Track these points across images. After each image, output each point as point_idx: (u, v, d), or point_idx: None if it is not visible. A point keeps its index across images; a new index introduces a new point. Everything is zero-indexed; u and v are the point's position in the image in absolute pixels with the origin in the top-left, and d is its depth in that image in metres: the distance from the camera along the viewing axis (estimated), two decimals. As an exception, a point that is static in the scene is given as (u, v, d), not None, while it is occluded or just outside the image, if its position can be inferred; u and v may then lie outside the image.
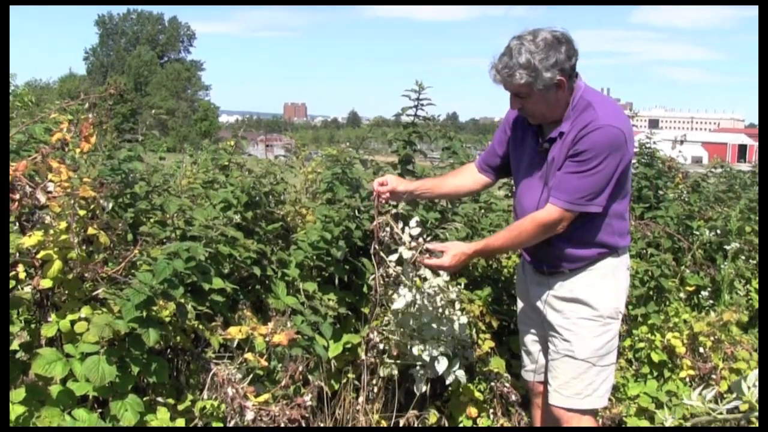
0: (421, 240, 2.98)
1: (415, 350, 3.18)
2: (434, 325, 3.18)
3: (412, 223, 3.04)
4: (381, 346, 3.41)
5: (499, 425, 3.71)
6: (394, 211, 3.13)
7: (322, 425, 3.46)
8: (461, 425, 3.65)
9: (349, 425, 3.50)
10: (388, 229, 3.04)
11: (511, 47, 2.72)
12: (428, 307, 3.12)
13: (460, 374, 3.26)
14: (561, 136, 2.79)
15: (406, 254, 2.96)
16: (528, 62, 2.67)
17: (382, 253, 3.09)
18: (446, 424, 3.68)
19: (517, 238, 2.90)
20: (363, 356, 3.46)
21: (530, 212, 2.90)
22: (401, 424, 3.54)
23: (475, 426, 3.65)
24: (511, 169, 3.09)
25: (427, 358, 3.19)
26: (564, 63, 2.70)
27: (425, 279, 3.07)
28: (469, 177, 3.24)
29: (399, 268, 3.06)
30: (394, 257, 3.02)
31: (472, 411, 3.64)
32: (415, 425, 3.56)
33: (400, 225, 3.04)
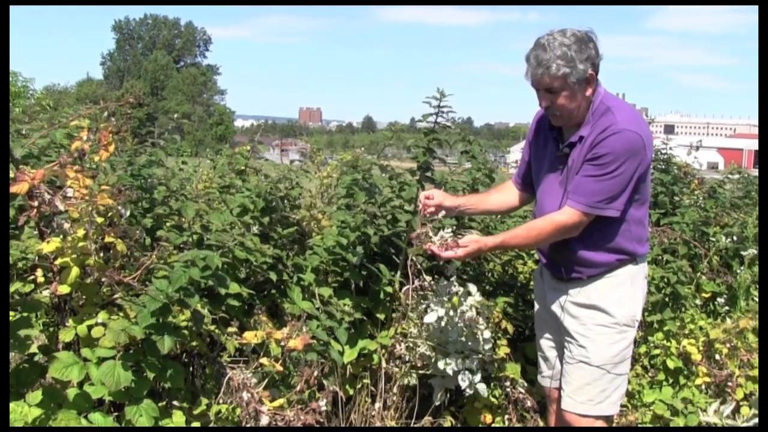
0: (443, 234, 2.99)
1: (441, 364, 3.19)
2: (462, 339, 3.18)
3: (447, 228, 3.06)
4: (406, 357, 3.42)
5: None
6: (434, 223, 3.12)
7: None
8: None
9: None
10: (434, 237, 3.03)
11: (542, 43, 2.74)
12: (459, 323, 3.13)
13: (481, 387, 3.27)
14: (581, 141, 2.80)
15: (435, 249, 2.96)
16: (564, 54, 2.69)
17: (419, 265, 3.09)
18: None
19: (534, 238, 2.92)
20: (383, 364, 3.47)
21: None
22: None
23: (482, 425, 3.64)
24: (532, 174, 3.10)
25: (451, 372, 3.19)
26: (594, 58, 2.76)
27: (460, 294, 3.07)
28: (511, 193, 3.28)
29: (433, 282, 3.06)
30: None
31: (487, 417, 3.63)
32: None
33: (439, 234, 3.05)
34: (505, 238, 2.97)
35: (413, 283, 3.13)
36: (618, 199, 2.78)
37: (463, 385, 3.21)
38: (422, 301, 3.26)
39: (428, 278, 3.11)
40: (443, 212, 3.10)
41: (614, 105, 2.81)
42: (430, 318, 3.09)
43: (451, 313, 3.10)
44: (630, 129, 2.73)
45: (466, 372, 3.23)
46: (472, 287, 3.19)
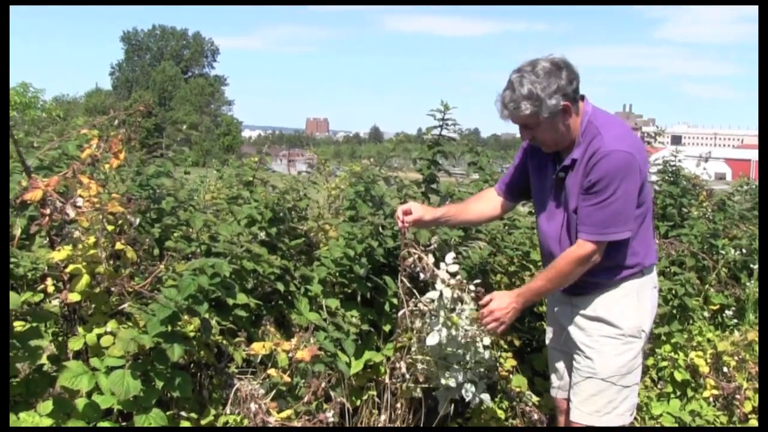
0: (459, 277, 2.95)
1: (442, 380, 3.17)
2: (460, 351, 3.16)
3: (449, 258, 3.01)
4: (407, 376, 3.40)
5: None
6: (430, 246, 3.09)
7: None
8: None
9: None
10: (421, 264, 2.99)
11: (512, 81, 2.74)
12: (458, 338, 3.10)
13: (486, 398, 3.26)
14: (574, 164, 2.81)
15: (447, 293, 2.93)
16: (531, 92, 2.69)
17: (410, 286, 3.05)
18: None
19: (556, 278, 2.90)
20: (387, 379, 3.46)
21: (552, 238, 2.95)
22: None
23: (484, 426, 3.64)
24: (532, 194, 3.10)
25: (454, 385, 3.18)
26: (566, 88, 2.73)
27: (461, 310, 3.04)
28: (490, 202, 3.25)
29: (433, 304, 3.00)
30: (433, 295, 2.97)
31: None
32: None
33: (431, 258, 3.01)
34: (529, 287, 2.98)
35: (407, 305, 3.08)
36: (626, 222, 2.78)
37: (467, 396, 3.20)
38: (421, 318, 3.19)
39: (424, 300, 3.04)
40: (433, 236, 3.08)
41: (602, 124, 2.80)
42: (432, 341, 3.04)
43: (453, 332, 3.06)
44: (619, 149, 2.72)
45: (469, 384, 3.21)
46: (466, 296, 3.14)
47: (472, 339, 3.08)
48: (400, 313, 3.16)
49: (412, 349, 3.32)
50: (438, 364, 3.19)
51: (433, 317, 3.03)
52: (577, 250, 2.82)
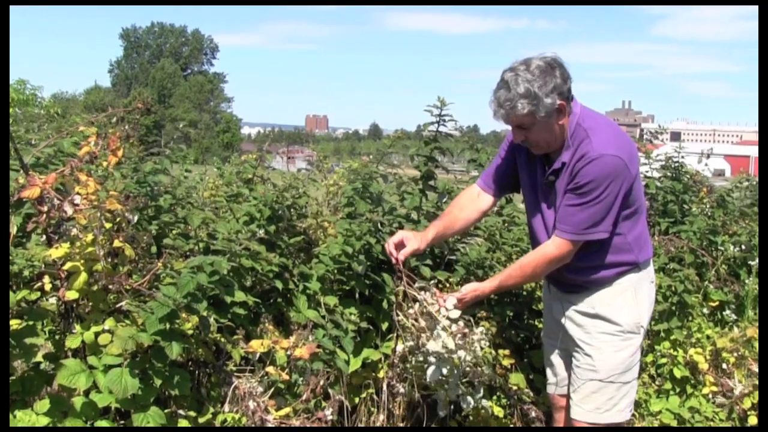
0: (461, 324, 2.90)
1: (442, 395, 3.15)
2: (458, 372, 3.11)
3: (449, 304, 2.93)
4: (403, 392, 3.39)
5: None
6: (426, 294, 2.99)
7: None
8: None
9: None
10: (419, 314, 2.94)
11: (506, 80, 2.69)
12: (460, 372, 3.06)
13: (485, 404, 3.23)
14: (564, 167, 2.78)
15: (450, 343, 2.86)
16: (527, 91, 2.64)
17: (411, 326, 2.97)
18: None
19: (531, 275, 2.94)
20: (385, 383, 3.45)
21: (542, 238, 2.93)
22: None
23: (480, 426, 3.63)
24: (521, 191, 3.09)
25: (453, 397, 3.15)
26: (561, 86, 2.69)
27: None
28: (473, 207, 3.15)
29: (434, 345, 2.90)
30: (435, 347, 2.88)
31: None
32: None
33: (428, 296, 2.96)
34: (501, 282, 2.97)
35: (405, 342, 3.04)
36: (604, 222, 2.76)
37: (467, 407, 3.17)
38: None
39: (423, 351, 2.99)
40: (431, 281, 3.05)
41: (591, 126, 2.77)
42: (433, 377, 2.98)
43: (455, 371, 3.01)
44: (608, 153, 2.69)
45: (468, 396, 3.18)
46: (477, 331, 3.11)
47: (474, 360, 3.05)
48: (399, 349, 3.14)
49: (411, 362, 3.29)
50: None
51: (434, 358, 2.97)
52: (552, 248, 2.82)
